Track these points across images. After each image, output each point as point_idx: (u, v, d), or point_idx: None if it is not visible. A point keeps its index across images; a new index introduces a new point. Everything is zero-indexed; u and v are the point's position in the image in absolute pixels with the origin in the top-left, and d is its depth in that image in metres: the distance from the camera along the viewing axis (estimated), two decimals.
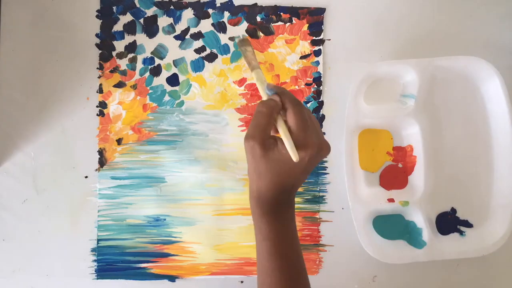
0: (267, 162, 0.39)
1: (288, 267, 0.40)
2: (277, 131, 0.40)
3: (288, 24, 0.59)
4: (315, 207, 0.59)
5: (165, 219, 0.57)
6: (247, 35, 0.57)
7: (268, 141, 0.39)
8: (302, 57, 0.59)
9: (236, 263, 0.57)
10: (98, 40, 0.57)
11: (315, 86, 0.59)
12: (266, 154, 0.38)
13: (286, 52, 0.59)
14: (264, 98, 0.41)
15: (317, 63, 0.59)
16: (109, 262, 0.56)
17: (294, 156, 0.38)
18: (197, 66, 0.58)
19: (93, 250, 0.56)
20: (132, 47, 0.57)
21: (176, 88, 0.58)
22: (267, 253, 0.40)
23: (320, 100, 0.59)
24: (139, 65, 0.58)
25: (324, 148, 0.40)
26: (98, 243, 0.56)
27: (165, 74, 0.58)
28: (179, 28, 0.58)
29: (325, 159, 0.59)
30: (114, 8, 0.57)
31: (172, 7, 0.58)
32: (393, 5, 0.61)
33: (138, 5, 0.58)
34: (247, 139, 0.38)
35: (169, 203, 0.57)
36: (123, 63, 0.57)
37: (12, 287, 0.55)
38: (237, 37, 0.55)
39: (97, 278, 0.56)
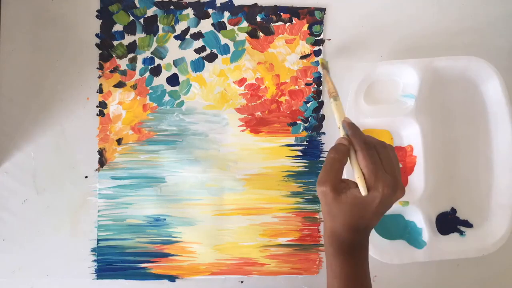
0: (340, 204, 0.40)
1: None
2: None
3: (288, 24, 0.59)
4: (315, 207, 0.59)
5: (165, 219, 0.57)
6: (327, 60, 0.57)
7: (340, 185, 0.41)
8: (302, 57, 0.59)
9: (236, 263, 0.57)
10: (98, 40, 0.57)
11: (315, 86, 0.59)
12: (338, 197, 0.40)
13: (286, 52, 0.59)
14: (340, 132, 0.44)
15: (317, 63, 0.59)
16: (109, 262, 0.56)
17: (363, 191, 0.40)
18: (197, 66, 0.58)
19: (93, 250, 0.56)
20: (132, 47, 0.58)
21: (176, 88, 0.58)
22: None
23: (320, 100, 0.59)
24: (139, 65, 0.58)
25: (398, 191, 0.41)
26: (98, 243, 0.56)
27: (165, 74, 0.58)
28: (179, 28, 0.58)
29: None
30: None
31: (172, 7, 0.58)
32: (393, 5, 0.61)
33: (138, 5, 0.58)
34: (319, 184, 0.41)
35: (169, 203, 0.57)
36: (123, 63, 0.57)
37: (12, 287, 0.55)
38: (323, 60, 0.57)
39: (97, 278, 0.56)
